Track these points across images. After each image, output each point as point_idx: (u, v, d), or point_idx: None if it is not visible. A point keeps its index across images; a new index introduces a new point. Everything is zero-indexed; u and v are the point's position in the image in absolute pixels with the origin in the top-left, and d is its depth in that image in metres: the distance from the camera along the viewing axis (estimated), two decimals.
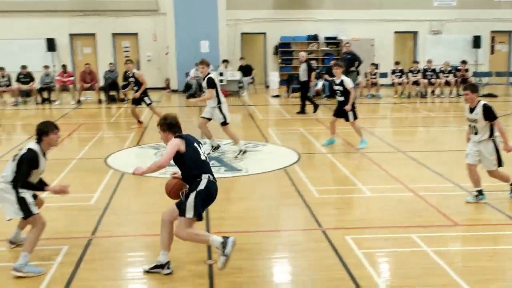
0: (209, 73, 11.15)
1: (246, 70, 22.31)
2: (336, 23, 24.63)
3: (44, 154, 6.13)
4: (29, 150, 5.96)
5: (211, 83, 10.98)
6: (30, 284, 5.59)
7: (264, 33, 25.00)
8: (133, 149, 12.15)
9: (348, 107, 11.71)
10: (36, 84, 20.56)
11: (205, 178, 5.78)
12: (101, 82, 21.43)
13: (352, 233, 6.82)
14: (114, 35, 24.32)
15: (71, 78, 21.39)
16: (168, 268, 5.74)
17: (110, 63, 21.45)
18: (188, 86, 21.80)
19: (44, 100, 20.61)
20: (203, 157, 5.88)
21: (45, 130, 6.03)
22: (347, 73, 19.59)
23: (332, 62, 15.35)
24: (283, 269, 6.13)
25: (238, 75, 21.93)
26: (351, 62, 19.45)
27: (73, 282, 5.56)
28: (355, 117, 11.87)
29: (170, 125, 5.83)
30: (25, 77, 20.47)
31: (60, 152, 11.11)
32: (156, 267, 5.76)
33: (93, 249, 6.43)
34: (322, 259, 6.14)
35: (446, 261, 5.99)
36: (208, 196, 5.81)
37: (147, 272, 5.76)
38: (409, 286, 5.47)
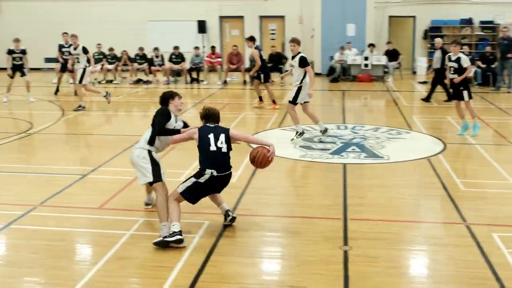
0: (299, 52, 11.05)
1: (392, 54, 21.67)
2: (493, 6, 23.08)
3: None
4: (161, 107, 6.60)
5: (305, 62, 10.85)
6: (172, 254, 5.91)
7: (414, 17, 24.09)
8: (275, 130, 12.34)
9: (457, 79, 11.43)
10: (187, 64, 21.57)
11: (207, 173, 6.25)
12: (247, 64, 21.96)
13: (499, 231, 6.41)
14: (262, 17, 24.76)
15: (219, 59, 22.13)
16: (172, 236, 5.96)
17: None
18: (332, 70, 21.67)
19: (192, 80, 21.57)
20: (212, 148, 6.30)
21: (170, 95, 6.65)
22: (503, 59, 18.40)
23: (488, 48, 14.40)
24: (420, 262, 5.92)
25: (383, 60, 21.39)
26: (508, 48, 18.19)
27: (212, 255, 5.79)
28: (470, 97, 11.50)
29: (204, 116, 6.52)
30: (177, 57, 21.54)
31: None
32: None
33: (233, 226, 6.64)
34: (464, 255, 5.84)
35: None
36: (204, 189, 6.37)
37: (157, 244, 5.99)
38: None
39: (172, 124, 6.62)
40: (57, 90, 18.25)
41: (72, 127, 13.22)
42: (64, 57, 17.98)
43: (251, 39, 15.97)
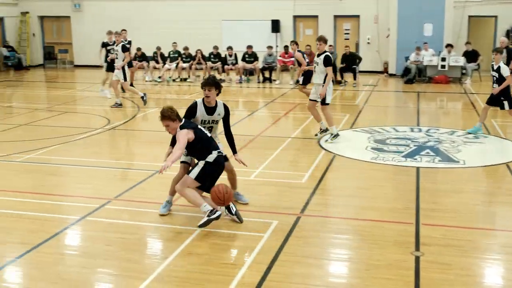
0: (325, 51, 10.91)
1: (471, 55, 20.94)
2: None
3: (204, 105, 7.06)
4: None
5: (329, 61, 10.73)
6: (240, 253, 5.97)
7: (495, 16, 23.22)
8: (347, 131, 12.21)
9: (495, 90, 11.29)
10: (259, 64, 21.68)
11: (214, 153, 6.63)
12: None
13: None
14: (336, 17, 24.56)
15: (291, 59, 22.11)
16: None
17: (330, 45, 21.72)
18: (407, 71, 21.21)
19: (265, 79, 21.66)
20: (209, 135, 6.80)
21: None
22: None
23: None
24: (496, 271, 5.70)
25: (462, 61, 20.71)
26: None
27: (280, 255, 5.80)
28: (511, 106, 11.30)
29: (169, 117, 6.58)
30: (250, 56, 21.69)
31: (275, 130, 11.63)
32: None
33: (301, 226, 6.63)
34: None
35: None
36: (213, 170, 6.64)
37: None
38: None
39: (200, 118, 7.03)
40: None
41: (147, 123, 13.58)
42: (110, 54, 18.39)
43: (295, 43, 16.18)
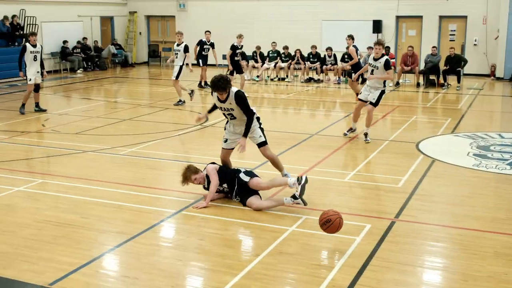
0: (384, 54, 11.14)
1: None
2: None
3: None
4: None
5: (389, 65, 10.93)
6: (332, 255, 5.91)
7: None
8: (447, 136, 11.77)
9: None
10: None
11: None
12: (422, 66, 21.20)
13: None
14: (442, 17, 23.72)
15: (392, 60, 21.62)
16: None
17: (433, 47, 21.03)
18: None
19: (364, 80, 21.30)
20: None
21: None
22: None
23: None
24: None
25: None
26: None
27: (372, 260, 5.68)
28: None
29: (195, 171, 7.54)
30: (349, 57, 21.38)
31: (372, 132, 11.40)
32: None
33: (395, 231, 6.46)
34: None
35: None
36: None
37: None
38: None
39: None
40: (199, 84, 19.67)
41: None
42: (203, 53, 19.66)
43: (351, 37, 16.35)
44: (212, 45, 19.69)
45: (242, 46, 18.03)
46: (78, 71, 24.56)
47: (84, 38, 25.66)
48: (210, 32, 19.90)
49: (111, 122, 13.24)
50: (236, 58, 17.74)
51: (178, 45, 16.01)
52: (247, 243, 6.42)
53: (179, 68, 15.68)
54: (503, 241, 6.18)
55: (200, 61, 19.73)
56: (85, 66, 25.25)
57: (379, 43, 11.21)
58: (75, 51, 24.91)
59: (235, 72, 17.65)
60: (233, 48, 17.81)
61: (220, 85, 7.17)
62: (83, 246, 6.05)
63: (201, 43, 19.72)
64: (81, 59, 24.99)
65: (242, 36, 18.15)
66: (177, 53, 15.89)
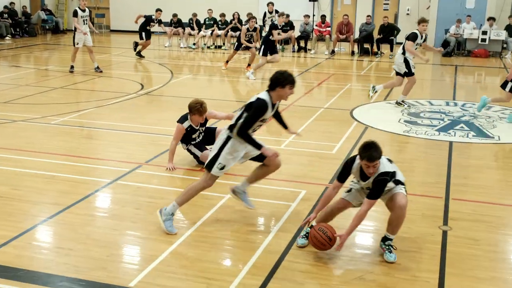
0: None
1: None
2: None
3: (273, 105, 5.64)
4: (259, 99, 5.53)
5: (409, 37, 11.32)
6: (268, 221, 6.02)
7: None
8: (380, 103, 12.07)
9: None
10: (295, 32, 21.46)
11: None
12: (356, 34, 21.53)
13: None
14: None
15: (328, 29, 21.85)
16: None
17: (368, 16, 21.36)
18: (446, 43, 20.74)
19: (300, 49, 21.46)
20: None
21: (282, 81, 5.49)
22: None
23: None
24: None
25: (503, 35, 20.16)
26: None
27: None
28: None
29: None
30: (286, 25, 21.46)
31: (308, 100, 11.56)
32: None
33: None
34: None
35: None
36: None
37: None
38: None
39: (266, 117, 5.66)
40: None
41: (179, 89, 13.63)
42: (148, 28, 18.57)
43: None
44: (159, 22, 18.83)
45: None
46: (6, 37, 23.57)
47: (12, 3, 24.58)
48: (161, 11, 18.82)
49: (42, 90, 12.83)
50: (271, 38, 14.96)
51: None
52: (183, 211, 6.41)
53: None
54: (431, 204, 6.45)
55: (144, 34, 18.44)
56: (13, 32, 24.25)
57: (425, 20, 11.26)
58: (2, 16, 23.86)
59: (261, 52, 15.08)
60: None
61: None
62: (15, 218, 5.90)
63: (149, 20, 18.62)
64: (9, 25, 23.97)
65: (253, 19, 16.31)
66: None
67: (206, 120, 7.72)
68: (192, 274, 4.79)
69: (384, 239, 5.26)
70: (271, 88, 5.51)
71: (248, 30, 16.05)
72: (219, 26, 21.99)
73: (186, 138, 7.63)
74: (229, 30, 21.69)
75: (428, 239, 5.54)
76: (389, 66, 18.10)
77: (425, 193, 6.80)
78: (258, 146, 5.58)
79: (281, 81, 5.46)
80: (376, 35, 20.69)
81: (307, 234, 5.31)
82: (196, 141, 7.70)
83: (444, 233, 5.68)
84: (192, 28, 22.31)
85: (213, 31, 21.91)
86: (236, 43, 16.33)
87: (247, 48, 16.66)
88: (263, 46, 14.66)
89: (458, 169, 7.70)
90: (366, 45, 20.73)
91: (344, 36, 20.78)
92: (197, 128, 7.60)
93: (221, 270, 4.95)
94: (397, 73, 11.61)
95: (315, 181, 7.12)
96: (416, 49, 11.38)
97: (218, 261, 5.10)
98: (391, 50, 20.16)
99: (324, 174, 7.37)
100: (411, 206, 6.32)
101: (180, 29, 22.02)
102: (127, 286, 4.57)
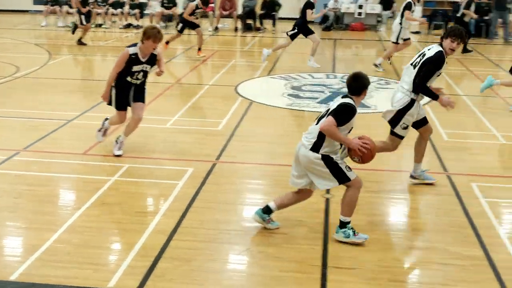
0: None
1: (386, 3, 21.38)
2: None
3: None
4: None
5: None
6: (156, 201, 5.98)
7: None
8: (264, 78, 12.27)
9: None
10: (179, 10, 21.20)
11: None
12: (240, 10, 21.64)
13: (479, 181, 6.50)
14: None
15: (211, 5, 21.77)
16: None
17: None
18: (325, 18, 21.38)
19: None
20: None
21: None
22: (500, 9, 18.12)
23: None
24: (401, 209, 6.04)
25: (377, 9, 21.13)
26: None
27: (194, 202, 5.84)
28: None
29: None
30: (169, 2, 21.15)
31: (193, 77, 11.52)
32: None
33: (216, 172, 6.69)
34: (444, 204, 5.95)
35: None
36: None
37: None
38: None
39: None
40: None
41: (58, 71, 13.06)
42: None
43: None
44: None
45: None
46: None
47: None
48: None
49: None
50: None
51: None
52: (67, 197, 6.24)
53: None
54: None
55: (83, 18, 16.21)
56: None
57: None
58: None
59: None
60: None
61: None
62: None
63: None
64: None
65: None
66: None
67: (154, 58, 6.95)
68: (77, 261, 4.67)
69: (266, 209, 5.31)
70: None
71: (197, 7, 14.21)
72: (99, 3, 21.17)
73: (124, 70, 6.81)
74: (109, 7, 21.00)
75: (313, 208, 5.76)
76: (272, 41, 18.40)
77: None
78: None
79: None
80: (258, 11, 20.92)
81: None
82: (134, 77, 6.88)
83: (327, 201, 5.94)
84: (70, 6, 21.34)
85: (92, 8, 21.06)
86: (181, 24, 14.56)
87: (192, 26, 14.60)
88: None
89: None
90: (249, 21, 20.92)
91: (228, 12, 20.83)
92: (143, 60, 6.84)
93: (109, 254, 4.88)
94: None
95: (202, 158, 7.15)
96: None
97: (105, 245, 5.01)
98: (273, 25, 20.48)
99: (211, 150, 7.41)
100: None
101: (57, 8, 21.01)
102: (7, 279, 4.37)
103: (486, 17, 19.19)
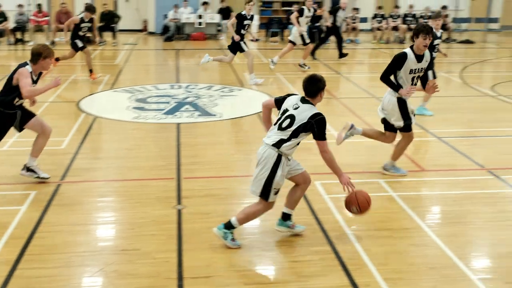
0: None
1: (225, 12, 21.90)
2: None
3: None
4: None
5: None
6: None
7: None
8: (107, 92, 11.99)
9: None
10: (10, 24, 20.00)
11: None
12: None
13: (322, 179, 6.87)
14: None
15: (46, 18, 20.85)
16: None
17: (86, 3, 20.85)
18: (166, 28, 21.40)
19: (17, 41, 20.09)
20: None
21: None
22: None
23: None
24: None
25: (217, 18, 21.56)
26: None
27: (39, 226, 5.54)
28: None
29: None
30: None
31: None
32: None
33: (62, 193, 6.41)
34: None
35: (410, 206, 6.12)
36: None
37: None
38: (373, 230, 5.58)
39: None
40: None
41: None
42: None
43: None
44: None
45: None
46: None
47: None
48: None
49: None
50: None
51: None
52: None
53: None
54: (164, 186, 6.67)
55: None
56: None
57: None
58: None
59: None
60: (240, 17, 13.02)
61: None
62: None
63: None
64: None
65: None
66: None
67: (39, 76, 6.65)
68: None
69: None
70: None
71: (82, 20, 12.83)
72: None
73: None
74: None
75: (164, 220, 5.73)
76: (113, 53, 18.04)
77: (158, 176, 7.01)
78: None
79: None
80: (98, 23, 20.37)
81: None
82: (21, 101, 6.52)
83: (179, 212, 5.94)
84: None
85: None
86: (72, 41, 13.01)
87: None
88: None
89: (187, 149, 8.07)
90: (88, 34, 20.25)
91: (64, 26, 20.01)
92: (34, 79, 6.51)
93: None
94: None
95: (45, 180, 6.80)
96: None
97: None
98: (114, 37, 20.08)
99: (54, 171, 7.07)
100: (145, 190, 6.51)
101: None
102: None
103: (318, 24, 20.40)
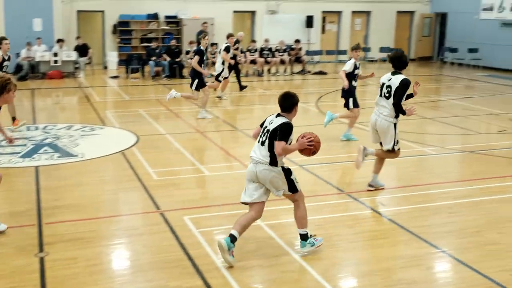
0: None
1: (82, 50, 21.33)
2: (176, 2, 24.38)
3: None
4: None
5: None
6: None
7: (102, 11, 24.05)
8: None
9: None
10: None
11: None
12: None
13: (190, 213, 6.88)
14: None
15: None
16: None
17: None
18: (19, 67, 20.40)
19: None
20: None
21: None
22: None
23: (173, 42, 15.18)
24: (120, 254, 6.04)
25: (74, 55, 20.93)
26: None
27: None
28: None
29: None
30: None
31: None
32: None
33: None
34: (160, 242, 6.14)
35: (278, 234, 6.30)
36: None
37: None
38: (245, 260, 5.65)
39: None
40: None
41: None
42: None
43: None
44: None
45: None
46: None
47: None
48: None
49: None
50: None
51: None
52: None
53: None
54: (24, 234, 6.30)
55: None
56: None
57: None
58: None
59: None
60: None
61: None
62: None
63: None
64: None
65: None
66: None
67: None
68: None
69: None
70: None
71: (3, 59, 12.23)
72: None
73: None
74: None
75: (26, 270, 5.41)
76: None
77: (17, 223, 6.59)
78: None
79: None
80: None
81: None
82: None
83: (41, 260, 5.63)
84: None
85: None
86: None
87: None
88: None
89: (48, 193, 7.71)
90: None
91: None
92: None
93: None
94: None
95: None
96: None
97: None
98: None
99: None
100: (3, 240, 6.11)
101: None
102: None
103: (178, 59, 20.61)
